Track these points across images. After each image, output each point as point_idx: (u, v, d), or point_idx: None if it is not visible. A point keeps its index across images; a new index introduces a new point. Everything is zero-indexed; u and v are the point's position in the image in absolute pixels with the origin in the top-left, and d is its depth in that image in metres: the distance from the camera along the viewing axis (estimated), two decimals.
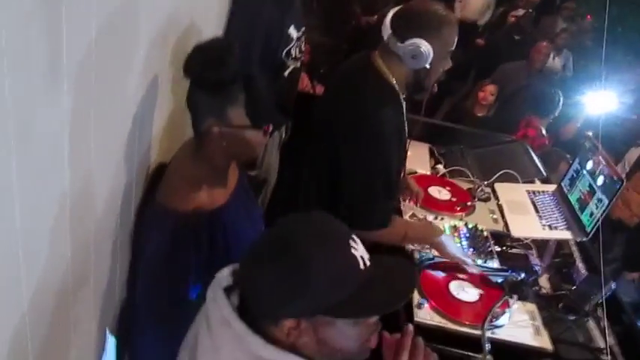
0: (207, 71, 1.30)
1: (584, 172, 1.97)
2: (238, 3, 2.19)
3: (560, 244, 2.21)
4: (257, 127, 1.38)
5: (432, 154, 2.83)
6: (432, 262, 1.97)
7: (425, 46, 1.65)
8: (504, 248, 2.18)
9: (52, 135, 0.96)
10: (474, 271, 1.91)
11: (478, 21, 6.74)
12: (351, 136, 1.76)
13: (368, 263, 0.96)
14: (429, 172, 2.64)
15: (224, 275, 1.01)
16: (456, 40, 1.75)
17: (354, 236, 0.98)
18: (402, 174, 2.05)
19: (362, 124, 1.74)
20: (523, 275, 1.96)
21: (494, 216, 2.33)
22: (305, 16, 2.48)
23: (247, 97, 1.34)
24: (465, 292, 1.87)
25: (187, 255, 1.40)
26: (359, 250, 0.96)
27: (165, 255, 1.40)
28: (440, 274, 1.93)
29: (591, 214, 1.85)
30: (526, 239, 2.16)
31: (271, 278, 0.91)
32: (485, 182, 2.49)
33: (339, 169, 1.79)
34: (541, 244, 2.21)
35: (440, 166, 2.70)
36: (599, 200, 1.83)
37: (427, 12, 1.69)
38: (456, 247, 1.97)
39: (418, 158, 2.68)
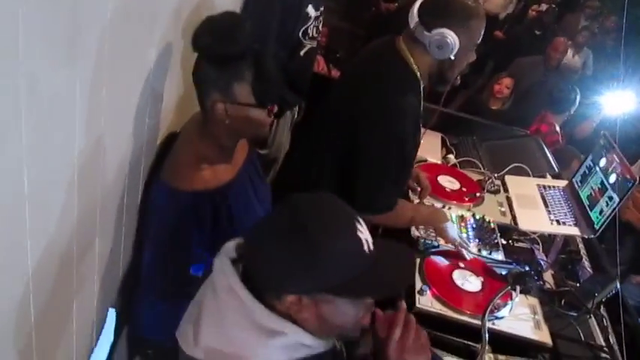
0: (214, 44, 1.29)
1: (597, 168, 1.95)
2: None
3: (567, 240, 2.19)
4: (262, 106, 1.36)
5: (444, 143, 2.81)
6: (436, 249, 1.97)
7: (451, 37, 1.63)
8: (510, 241, 2.17)
9: (64, 97, 0.96)
10: (470, 257, 1.93)
11: (500, 14, 6.65)
12: (370, 120, 1.75)
13: (372, 247, 0.99)
14: (439, 162, 2.62)
15: (230, 247, 1.03)
16: (482, 33, 1.73)
17: (360, 219, 1.00)
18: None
19: (382, 110, 1.73)
20: (527, 269, 1.95)
21: (503, 209, 2.31)
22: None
23: (255, 74, 1.33)
24: (468, 281, 1.86)
25: (189, 233, 1.41)
26: (364, 234, 0.98)
27: (168, 231, 1.40)
28: (444, 262, 1.92)
29: (601, 212, 1.83)
30: (533, 233, 2.15)
31: (280, 254, 0.94)
32: (496, 175, 2.47)
33: (354, 152, 1.78)
34: (547, 240, 2.20)
35: (451, 156, 2.69)
36: (610, 198, 1.82)
37: (456, 2, 1.68)
38: (457, 234, 1.98)
39: (430, 147, 2.66)
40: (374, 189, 1.77)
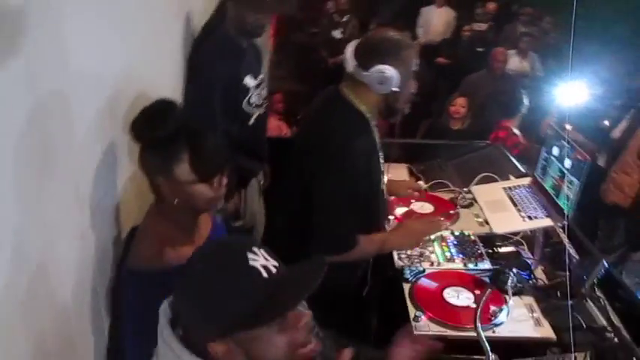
0: (146, 130, 1.36)
1: (552, 158, 2.01)
2: (192, 66, 2.27)
3: (549, 233, 2.22)
4: (205, 181, 1.40)
5: (411, 173, 2.87)
6: (422, 274, 1.98)
7: (389, 71, 1.74)
8: (494, 249, 2.19)
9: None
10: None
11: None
12: (321, 165, 1.82)
13: (274, 270, 0.99)
14: None
15: (165, 307, 1.05)
16: (416, 60, 1.84)
17: (255, 248, 1.00)
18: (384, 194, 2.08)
19: (331, 153, 1.80)
20: (515, 271, 1.96)
21: (480, 219, 2.35)
22: (276, 68, 2.56)
23: (192, 152, 1.37)
24: (460, 297, 1.87)
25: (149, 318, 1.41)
26: (259, 261, 0.98)
27: (142, 314, 1.40)
28: (432, 285, 1.93)
29: (567, 198, 1.88)
30: (513, 234, 2.18)
31: (185, 309, 0.99)
32: (465, 189, 2.52)
33: (312, 199, 1.82)
34: (530, 239, 2.22)
35: (420, 182, 2.73)
36: (571, 182, 1.86)
37: (385, 39, 1.79)
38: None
39: (397, 179, 2.71)
40: (328, 230, 1.82)
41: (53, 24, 1.14)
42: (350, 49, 1.82)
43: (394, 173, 2.68)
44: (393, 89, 1.78)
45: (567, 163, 1.90)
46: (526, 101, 3.75)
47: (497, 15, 6.95)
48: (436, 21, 7.63)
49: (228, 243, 1.07)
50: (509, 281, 1.90)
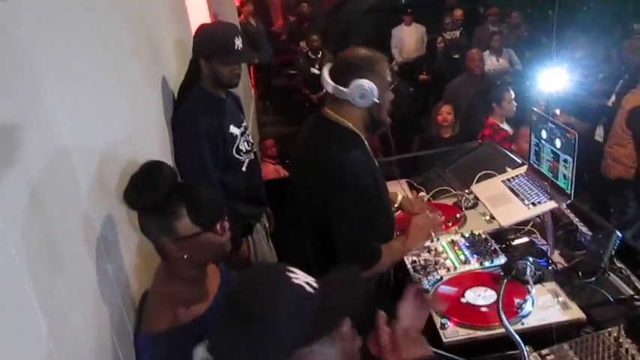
0: (138, 197, 1.38)
1: (542, 142, 2.02)
2: (176, 126, 2.32)
3: (558, 217, 2.21)
4: (208, 230, 1.43)
5: (411, 187, 2.88)
6: (440, 282, 1.97)
7: (368, 84, 1.79)
8: (508, 243, 2.18)
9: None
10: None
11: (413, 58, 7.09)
12: (328, 188, 1.83)
13: (315, 285, 1.02)
14: None
15: (199, 353, 1.04)
16: (389, 72, 1.91)
17: (290, 267, 1.04)
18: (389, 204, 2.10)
19: (334, 173, 1.82)
20: (531, 259, 1.95)
21: (487, 217, 2.34)
22: (263, 115, 2.62)
23: (188, 205, 1.40)
24: (482, 296, 1.85)
25: None
26: (300, 278, 1.01)
27: None
28: (452, 290, 1.91)
29: (565, 177, 1.88)
30: (520, 225, 2.17)
31: (237, 343, 0.97)
32: (467, 190, 2.53)
33: (328, 226, 1.84)
34: (542, 227, 2.21)
35: (422, 194, 2.74)
36: (565, 160, 1.87)
37: (358, 56, 1.86)
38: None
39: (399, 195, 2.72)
40: (356, 247, 1.82)
41: (36, 101, 1.18)
42: (325, 72, 1.87)
43: (395, 190, 2.69)
44: (375, 101, 1.82)
45: (557, 143, 1.91)
46: (509, 94, 3.78)
47: (466, 21, 7.08)
48: (408, 39, 7.80)
49: (266, 267, 1.09)
50: (528, 270, 1.89)
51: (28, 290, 1.03)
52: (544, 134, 2.00)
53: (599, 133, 4.50)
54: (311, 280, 1.03)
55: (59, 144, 1.28)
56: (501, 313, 1.48)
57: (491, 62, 5.90)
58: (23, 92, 1.14)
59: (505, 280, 1.55)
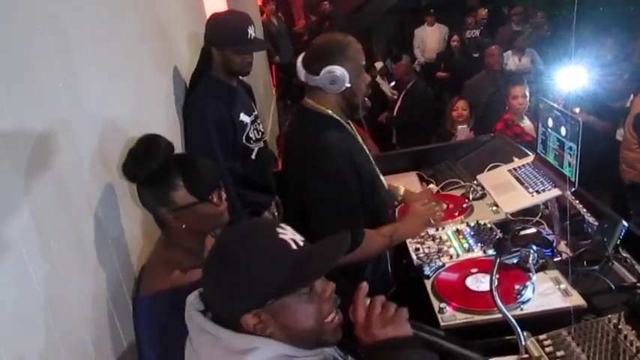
0: (136, 168, 1.42)
1: (549, 130, 2.00)
2: (187, 113, 2.37)
3: (565, 207, 2.18)
4: (204, 200, 1.46)
5: (422, 179, 2.88)
6: (442, 268, 1.97)
7: (338, 70, 1.79)
8: (515, 233, 2.16)
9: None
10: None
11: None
12: (306, 173, 1.84)
13: (301, 243, 1.04)
14: None
15: (193, 298, 1.08)
16: (363, 55, 1.89)
17: (283, 224, 1.07)
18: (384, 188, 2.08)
19: (311, 161, 1.83)
20: (535, 248, 1.93)
21: (494, 208, 2.33)
22: (283, 113, 2.66)
23: (184, 176, 1.44)
24: (483, 282, 1.84)
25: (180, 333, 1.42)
26: (288, 234, 1.04)
27: (160, 336, 1.41)
28: (454, 276, 1.91)
29: (570, 165, 1.86)
30: (527, 217, 2.15)
31: (217, 286, 1.02)
32: (475, 182, 2.51)
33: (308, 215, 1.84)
34: (550, 219, 2.19)
35: (432, 186, 2.73)
36: (570, 148, 1.85)
37: (329, 42, 1.86)
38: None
39: (409, 186, 2.71)
40: (327, 232, 1.80)
41: (38, 78, 1.22)
42: (299, 61, 1.89)
43: (405, 182, 2.69)
44: (347, 86, 1.82)
45: (563, 130, 1.89)
46: (519, 89, 3.74)
47: (489, 20, 7.04)
48: (431, 39, 7.80)
49: (257, 221, 1.13)
50: (530, 258, 1.88)
51: (24, 255, 1.07)
52: (550, 122, 1.99)
53: (620, 133, 4.42)
54: (299, 238, 1.06)
55: (61, 118, 1.32)
56: (494, 290, 1.47)
57: (514, 62, 5.85)
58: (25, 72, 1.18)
59: (497, 260, 1.54)
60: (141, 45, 2.01)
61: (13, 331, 1.01)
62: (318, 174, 1.80)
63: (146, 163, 1.42)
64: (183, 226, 1.45)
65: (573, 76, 3.26)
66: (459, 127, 3.93)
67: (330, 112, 1.86)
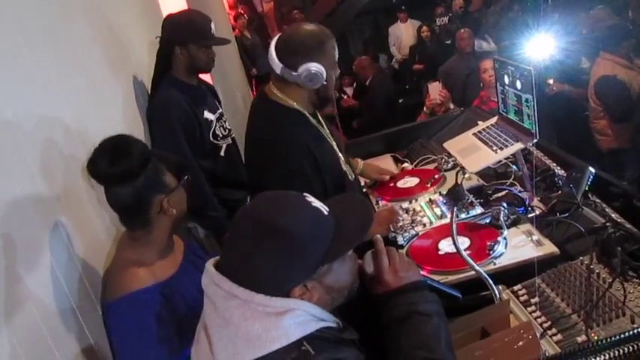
0: (123, 164, 1.38)
1: (507, 88, 1.99)
2: (151, 116, 2.36)
3: (536, 165, 2.17)
4: (183, 183, 1.51)
5: (397, 160, 2.86)
6: (416, 237, 1.95)
7: (316, 67, 1.76)
8: (487, 197, 2.15)
9: None
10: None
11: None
12: (268, 175, 1.83)
13: (328, 209, 1.08)
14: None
15: (211, 269, 1.05)
16: (336, 47, 1.85)
17: (306, 194, 1.09)
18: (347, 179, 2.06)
19: (266, 155, 1.83)
20: (505, 205, 1.92)
21: (467, 175, 2.31)
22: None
23: (164, 162, 1.47)
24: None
25: (149, 332, 1.40)
26: (316, 202, 1.08)
27: (130, 342, 1.39)
28: (427, 242, 1.89)
29: (529, 117, 1.85)
30: (500, 181, 2.14)
31: (266, 262, 0.99)
32: (446, 153, 2.50)
33: None
34: (522, 180, 2.17)
35: (406, 164, 2.72)
36: (527, 100, 1.84)
37: (306, 36, 1.79)
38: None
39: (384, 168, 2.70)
40: None
41: None
42: (272, 50, 1.81)
43: (379, 164, 2.68)
44: (323, 83, 1.80)
45: (518, 84, 1.88)
46: (488, 63, 3.75)
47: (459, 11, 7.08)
48: (405, 35, 7.84)
49: (285, 192, 1.10)
50: (501, 215, 1.87)
51: None
52: (506, 79, 1.98)
53: None
54: (322, 204, 1.09)
55: (3, 120, 1.31)
56: (457, 242, 1.46)
57: (487, 45, 5.87)
58: None
59: (455, 208, 1.53)
60: (92, 48, 2.01)
61: None
62: (277, 172, 1.78)
63: (131, 157, 1.39)
64: (174, 212, 1.46)
65: (541, 45, 3.28)
66: (430, 84, 3.91)
67: (295, 104, 1.84)
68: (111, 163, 1.39)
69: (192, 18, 2.42)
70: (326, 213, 1.06)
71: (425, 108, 4.05)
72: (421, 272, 1.68)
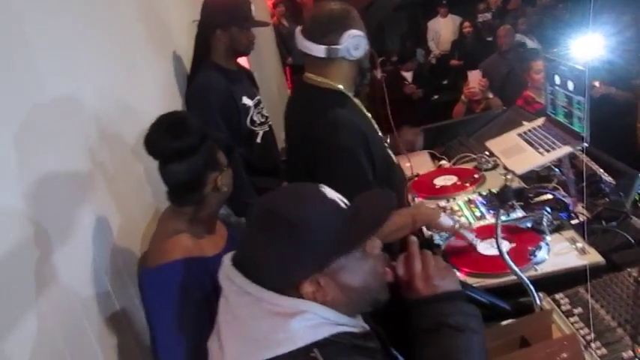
0: (179, 141, 1.38)
1: (557, 88, 1.92)
2: (190, 100, 2.35)
3: (581, 171, 2.09)
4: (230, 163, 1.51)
5: (434, 157, 2.80)
6: (453, 236, 1.90)
7: (357, 33, 1.70)
8: (529, 200, 2.08)
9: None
10: (473, 239, 1.81)
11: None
12: (319, 156, 1.74)
13: (346, 202, 1.04)
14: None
15: (227, 263, 1.03)
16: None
17: (324, 186, 1.05)
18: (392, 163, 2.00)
19: (323, 141, 1.73)
20: (549, 209, 1.86)
21: (508, 176, 2.25)
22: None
23: (216, 141, 1.46)
24: (494, 247, 1.77)
25: (197, 304, 1.36)
26: (332, 193, 1.03)
27: (172, 312, 1.37)
28: (464, 243, 1.84)
29: (580, 119, 1.78)
30: (543, 184, 2.07)
31: (274, 252, 0.97)
32: (487, 152, 2.44)
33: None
34: (564, 185, 2.10)
35: (444, 162, 2.67)
36: (579, 102, 1.77)
37: (331, 10, 1.74)
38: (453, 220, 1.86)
39: (420, 165, 2.65)
40: None
41: (25, 58, 1.21)
42: (304, 39, 1.74)
43: (416, 161, 2.63)
44: (366, 48, 1.74)
45: (570, 85, 1.81)
46: (539, 63, 3.63)
47: (501, 5, 6.93)
48: (444, 30, 7.70)
49: (300, 184, 1.08)
50: (544, 220, 1.81)
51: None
52: (557, 80, 1.91)
53: None
54: (342, 197, 1.05)
55: (47, 102, 1.30)
56: (500, 245, 1.40)
57: (530, 43, 5.71)
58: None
59: (500, 210, 1.47)
60: (137, 29, 2.00)
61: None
62: (328, 153, 1.70)
63: (188, 134, 1.39)
64: (226, 190, 1.46)
65: (590, 45, 3.15)
66: (470, 73, 3.82)
67: (340, 86, 1.76)
68: (173, 139, 1.39)
69: (233, 0, 2.40)
70: (343, 205, 1.03)
71: (463, 96, 3.95)
72: (460, 277, 1.67)
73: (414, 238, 1.15)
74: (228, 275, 1.00)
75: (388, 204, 1.08)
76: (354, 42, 1.70)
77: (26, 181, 1.15)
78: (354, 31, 1.69)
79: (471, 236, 1.81)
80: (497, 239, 1.39)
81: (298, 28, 1.80)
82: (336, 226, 0.98)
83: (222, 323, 1.00)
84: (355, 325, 1.03)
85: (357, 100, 1.86)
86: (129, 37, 1.96)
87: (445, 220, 1.81)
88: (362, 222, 1.01)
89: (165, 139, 1.39)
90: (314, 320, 0.96)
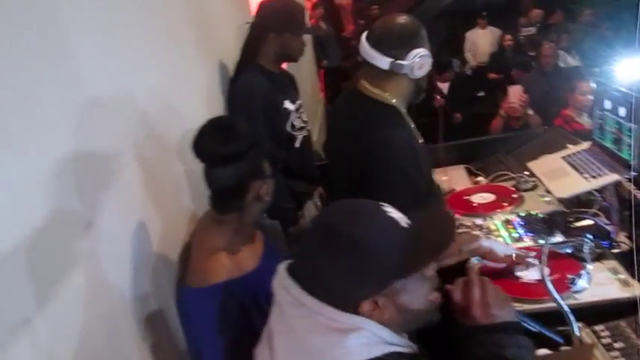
0: (228, 146, 1.40)
1: (606, 113, 1.88)
2: (232, 101, 2.37)
3: (624, 197, 2.04)
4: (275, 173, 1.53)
5: (470, 172, 2.77)
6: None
7: (424, 52, 1.71)
8: (568, 224, 2.04)
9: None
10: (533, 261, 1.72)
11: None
12: (367, 171, 1.74)
13: (408, 220, 1.02)
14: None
15: (283, 273, 1.03)
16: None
17: (384, 204, 1.04)
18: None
19: (373, 157, 1.73)
20: (590, 237, 1.82)
21: (547, 199, 2.21)
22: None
23: (262, 150, 1.50)
24: (532, 271, 1.74)
25: (239, 325, 1.39)
26: (395, 213, 1.02)
27: (216, 332, 1.39)
28: (501, 265, 1.80)
29: (629, 147, 1.74)
30: (583, 208, 2.03)
31: (336, 269, 0.96)
32: (527, 172, 2.40)
33: None
34: (606, 210, 2.05)
35: (480, 178, 2.63)
36: (629, 129, 1.73)
37: (404, 24, 1.74)
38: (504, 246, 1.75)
39: (456, 180, 2.62)
40: None
41: (65, 55, 1.22)
42: (367, 46, 1.74)
43: (453, 176, 2.61)
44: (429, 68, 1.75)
45: (622, 111, 1.77)
46: (586, 84, 3.57)
47: (542, 20, 6.83)
48: (482, 42, 7.64)
49: (360, 201, 1.07)
50: (586, 248, 1.77)
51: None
52: (607, 104, 1.87)
53: None
54: (404, 216, 1.03)
55: (89, 101, 1.31)
56: (544, 271, 1.37)
57: (572, 60, 5.63)
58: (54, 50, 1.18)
59: (548, 245, 1.44)
60: (186, 30, 2.02)
61: None
62: (381, 168, 1.70)
63: (238, 139, 1.42)
64: (268, 199, 1.47)
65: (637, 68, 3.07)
66: (510, 87, 3.77)
67: (394, 100, 1.76)
68: (221, 143, 1.41)
69: (289, 6, 2.42)
70: (404, 225, 1.01)
71: (502, 111, 3.91)
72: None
73: (473, 264, 1.16)
74: (283, 285, 1.01)
75: (450, 226, 1.09)
76: (419, 61, 1.70)
77: (79, 181, 1.16)
78: (421, 50, 1.69)
79: (535, 263, 1.70)
80: (543, 265, 1.36)
81: (364, 34, 1.80)
82: (399, 247, 0.98)
83: (277, 333, 1.00)
84: (405, 345, 1.03)
85: (406, 115, 1.85)
86: (178, 38, 1.98)
87: (498, 247, 1.67)
88: (425, 245, 1.01)
89: (213, 143, 1.41)
90: (370, 338, 0.96)
